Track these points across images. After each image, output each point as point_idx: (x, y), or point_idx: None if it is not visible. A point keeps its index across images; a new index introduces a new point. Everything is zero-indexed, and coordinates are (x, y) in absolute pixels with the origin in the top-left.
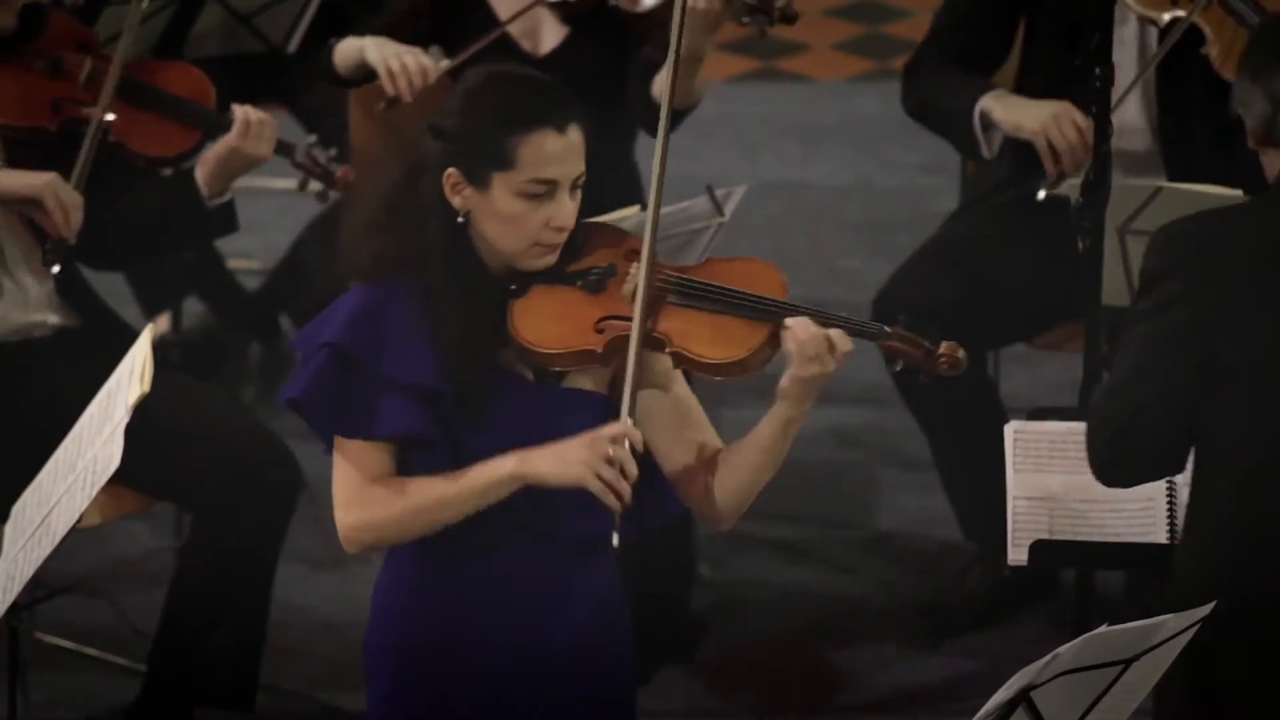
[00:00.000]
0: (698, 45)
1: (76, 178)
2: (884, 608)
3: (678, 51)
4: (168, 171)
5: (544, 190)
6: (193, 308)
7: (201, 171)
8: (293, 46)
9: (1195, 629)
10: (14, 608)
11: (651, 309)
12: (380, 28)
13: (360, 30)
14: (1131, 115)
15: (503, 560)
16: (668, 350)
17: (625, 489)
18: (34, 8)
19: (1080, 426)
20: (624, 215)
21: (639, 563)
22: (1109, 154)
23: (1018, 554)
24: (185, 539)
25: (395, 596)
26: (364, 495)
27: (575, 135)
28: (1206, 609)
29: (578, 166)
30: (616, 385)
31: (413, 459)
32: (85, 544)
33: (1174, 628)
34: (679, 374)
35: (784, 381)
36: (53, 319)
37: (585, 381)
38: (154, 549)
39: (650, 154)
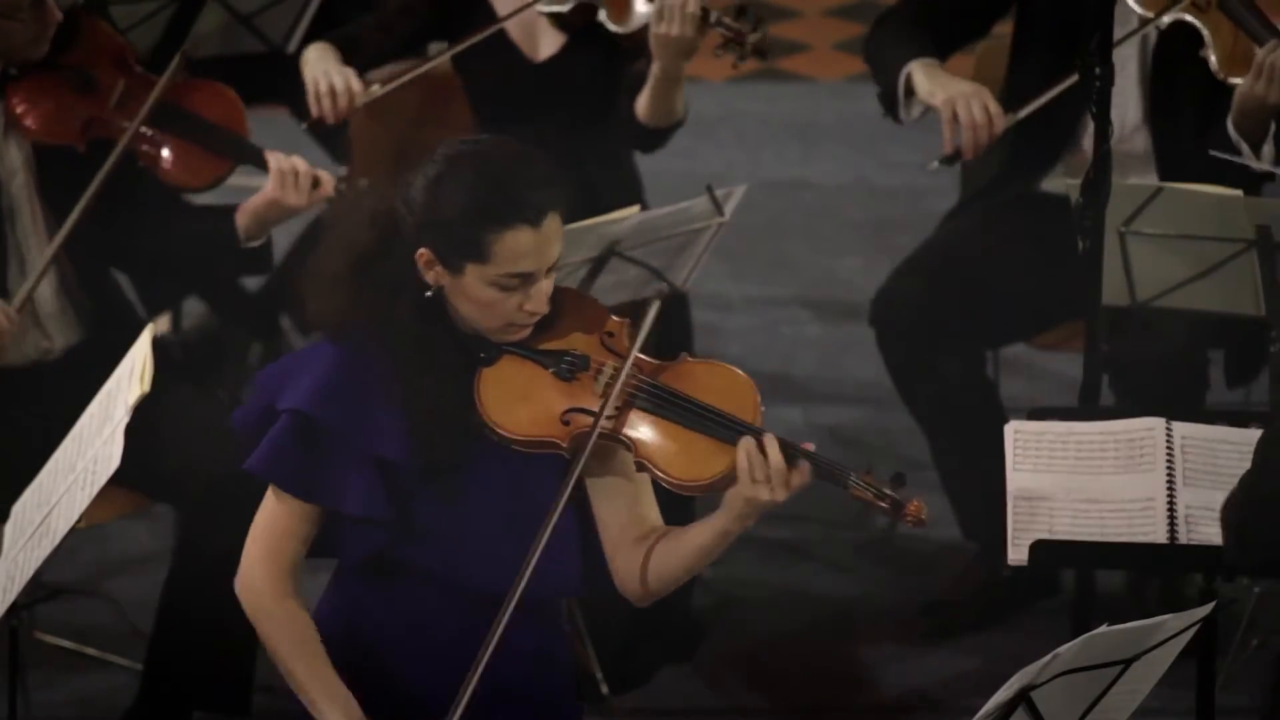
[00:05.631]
0: (673, 68)
1: (83, 205)
2: (884, 608)
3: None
4: (197, 199)
5: (516, 284)
6: (193, 308)
7: (241, 218)
8: (293, 46)
9: (1194, 629)
10: (14, 608)
11: (622, 411)
12: (374, 24)
13: (349, 26)
14: (1130, 115)
15: (420, 606)
16: (635, 457)
17: None
18: (68, 17)
19: (1080, 426)
20: (624, 215)
21: None
22: (1109, 154)
23: (1018, 554)
24: (176, 541)
25: (335, 627)
26: (271, 575)
27: (552, 225)
28: (1207, 608)
29: (554, 254)
30: (578, 440)
31: (359, 531)
32: (85, 544)
33: (1174, 628)
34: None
35: (730, 494)
36: (60, 341)
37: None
38: (154, 549)
39: (652, 158)
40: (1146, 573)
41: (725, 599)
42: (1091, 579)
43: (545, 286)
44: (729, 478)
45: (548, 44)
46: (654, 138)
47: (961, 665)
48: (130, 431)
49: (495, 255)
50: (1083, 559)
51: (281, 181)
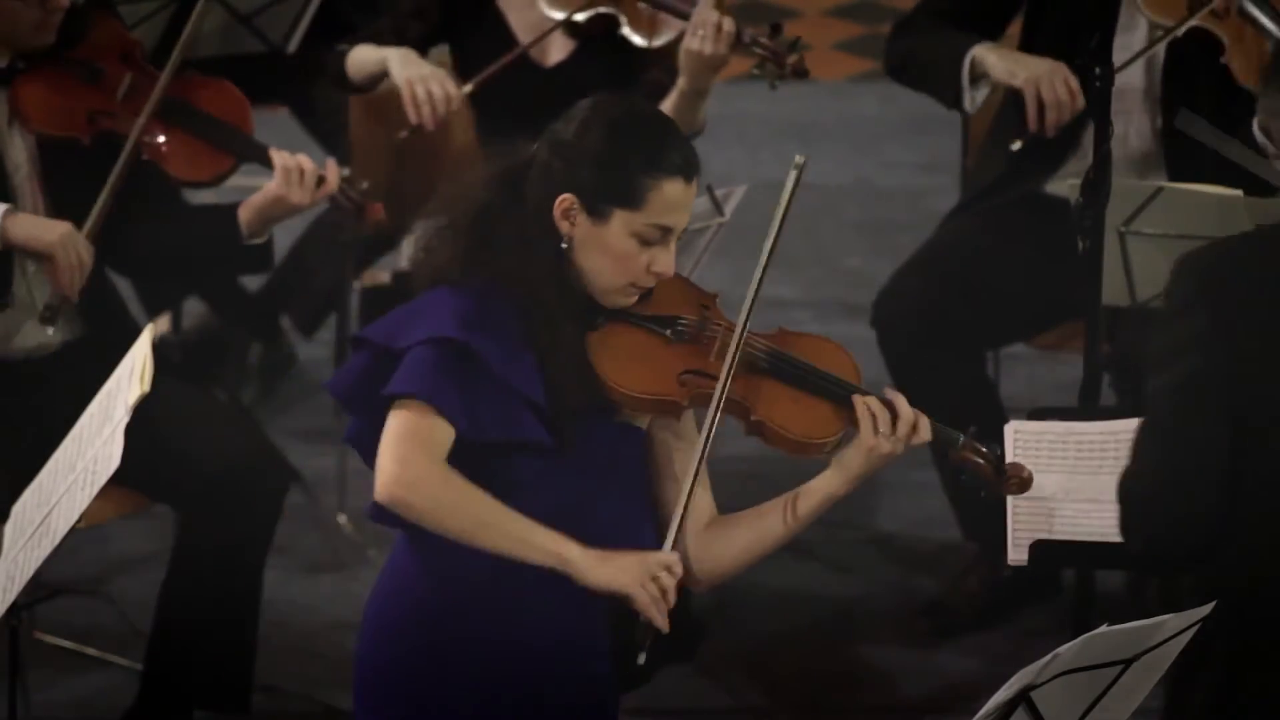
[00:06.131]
0: (701, 84)
1: (104, 200)
2: (884, 608)
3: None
4: (201, 194)
5: (659, 236)
6: (193, 308)
7: (244, 214)
8: (293, 46)
9: (1194, 629)
10: (14, 608)
11: (739, 374)
12: (386, 27)
13: (364, 30)
14: (1137, 119)
15: (504, 578)
16: (751, 418)
17: (665, 610)
18: (77, 13)
19: (1080, 426)
20: None
21: None
22: (1109, 154)
23: (1018, 554)
24: (175, 541)
25: (399, 602)
26: (429, 464)
27: (694, 188)
28: (1207, 609)
29: (688, 219)
30: (698, 400)
31: (522, 462)
32: (85, 544)
33: (1174, 628)
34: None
35: (847, 452)
36: (58, 337)
37: (634, 418)
38: (154, 549)
39: None
40: (1146, 573)
41: (725, 599)
42: (1091, 579)
43: (673, 250)
44: (844, 440)
45: (557, 50)
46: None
47: (961, 665)
48: (130, 431)
49: (649, 202)
50: (1083, 559)
51: (286, 178)
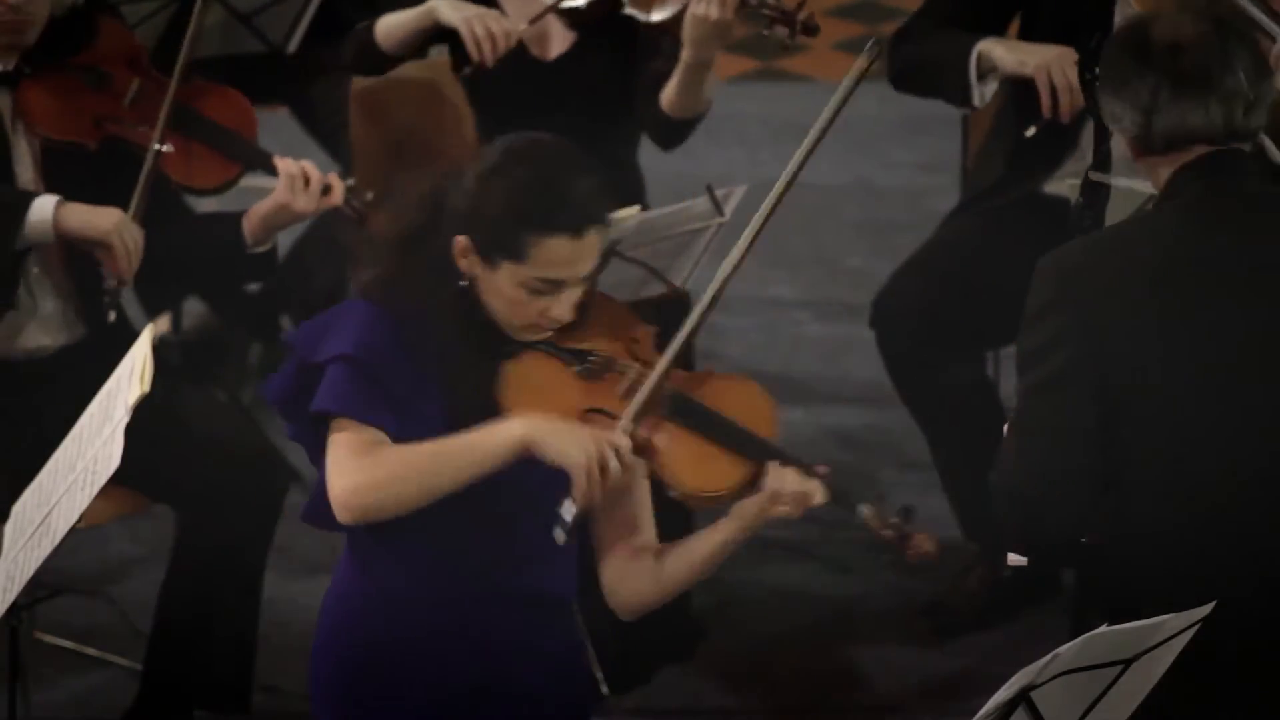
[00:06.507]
0: (707, 54)
1: (134, 211)
2: (884, 608)
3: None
4: (202, 204)
5: (546, 289)
6: (193, 308)
7: (249, 222)
8: (293, 46)
9: (1195, 628)
10: (14, 608)
11: (642, 416)
12: None
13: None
14: None
15: (458, 610)
16: (647, 463)
17: (601, 492)
18: (83, 18)
19: None
20: (624, 215)
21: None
22: (1109, 154)
23: (1018, 554)
24: (175, 541)
25: (347, 605)
26: (360, 460)
27: (592, 239)
28: (1207, 609)
29: (588, 266)
30: None
31: None
32: (85, 544)
33: (1174, 627)
34: (642, 473)
35: (745, 504)
36: (58, 340)
37: None
38: (154, 549)
39: (652, 158)
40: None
41: (725, 599)
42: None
43: (572, 296)
44: (740, 492)
45: (557, 43)
46: (678, 131)
47: (961, 665)
48: (130, 431)
49: (532, 258)
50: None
51: (291, 186)
